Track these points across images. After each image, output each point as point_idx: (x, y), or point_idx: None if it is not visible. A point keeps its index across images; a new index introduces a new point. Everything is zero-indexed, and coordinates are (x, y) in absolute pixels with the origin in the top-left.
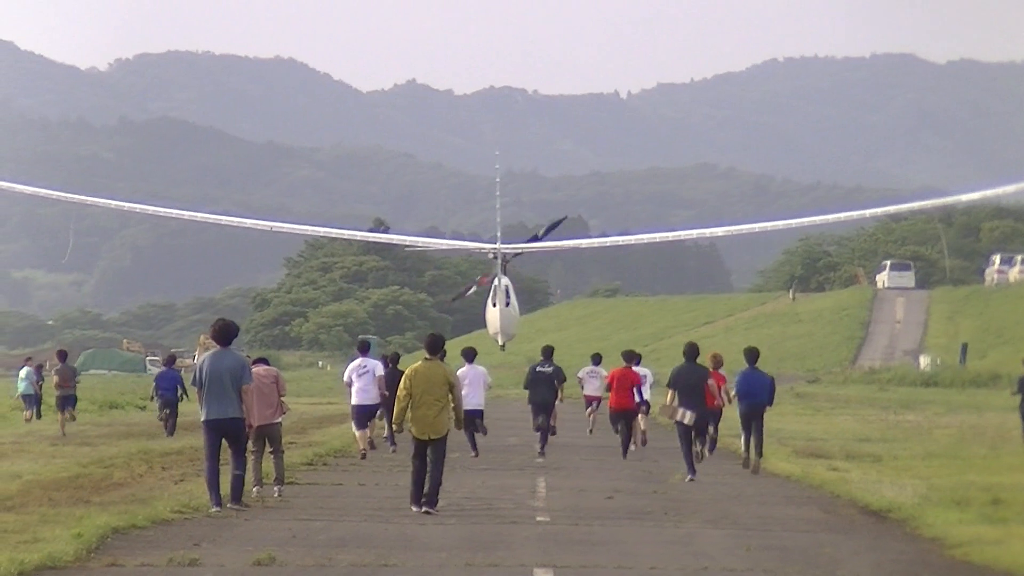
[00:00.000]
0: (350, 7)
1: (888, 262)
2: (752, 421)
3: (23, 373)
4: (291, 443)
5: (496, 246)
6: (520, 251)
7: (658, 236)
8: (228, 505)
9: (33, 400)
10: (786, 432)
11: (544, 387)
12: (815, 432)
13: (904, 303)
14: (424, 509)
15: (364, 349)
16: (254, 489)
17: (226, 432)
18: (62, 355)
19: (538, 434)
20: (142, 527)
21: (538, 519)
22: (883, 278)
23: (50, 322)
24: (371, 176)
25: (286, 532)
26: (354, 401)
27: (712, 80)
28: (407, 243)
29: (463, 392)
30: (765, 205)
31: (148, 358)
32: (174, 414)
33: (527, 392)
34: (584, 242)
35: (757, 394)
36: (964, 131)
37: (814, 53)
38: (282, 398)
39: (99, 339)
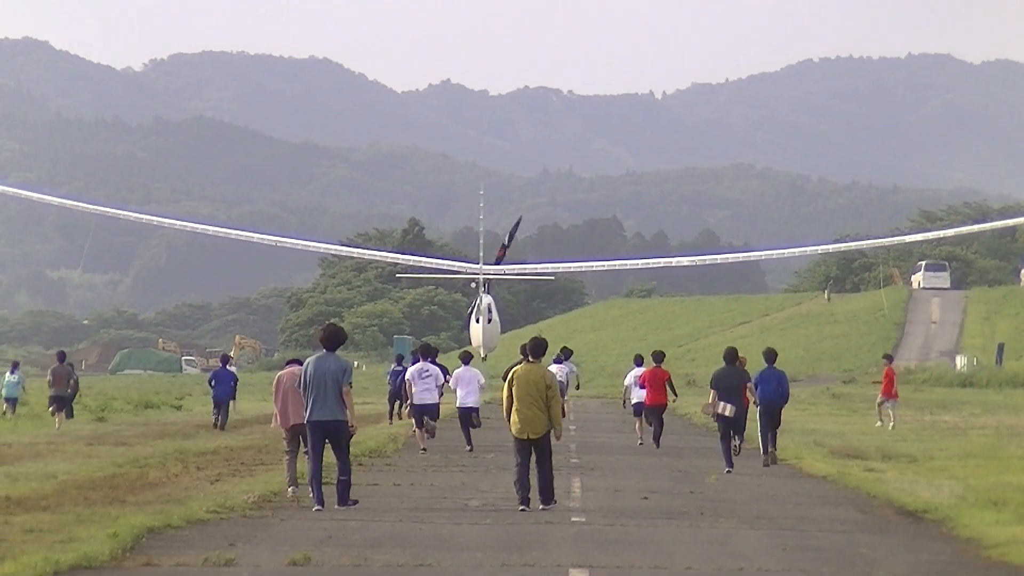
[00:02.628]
0: (385, 7)
1: (923, 262)
2: (770, 419)
3: (15, 377)
4: None
5: (479, 267)
6: (502, 275)
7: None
8: (336, 507)
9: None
10: (822, 432)
11: None
12: (851, 432)
13: (940, 303)
14: (541, 506)
15: (427, 354)
16: (289, 489)
17: (328, 434)
18: (60, 356)
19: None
20: (177, 527)
21: (573, 519)
22: (918, 279)
23: (85, 322)
24: (407, 176)
25: (321, 532)
26: (415, 401)
27: (747, 80)
28: (399, 262)
29: (459, 392)
30: (801, 205)
31: (184, 358)
32: (225, 411)
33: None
34: (563, 266)
35: (773, 393)
36: (1000, 131)
37: (849, 53)
38: None
39: (135, 339)
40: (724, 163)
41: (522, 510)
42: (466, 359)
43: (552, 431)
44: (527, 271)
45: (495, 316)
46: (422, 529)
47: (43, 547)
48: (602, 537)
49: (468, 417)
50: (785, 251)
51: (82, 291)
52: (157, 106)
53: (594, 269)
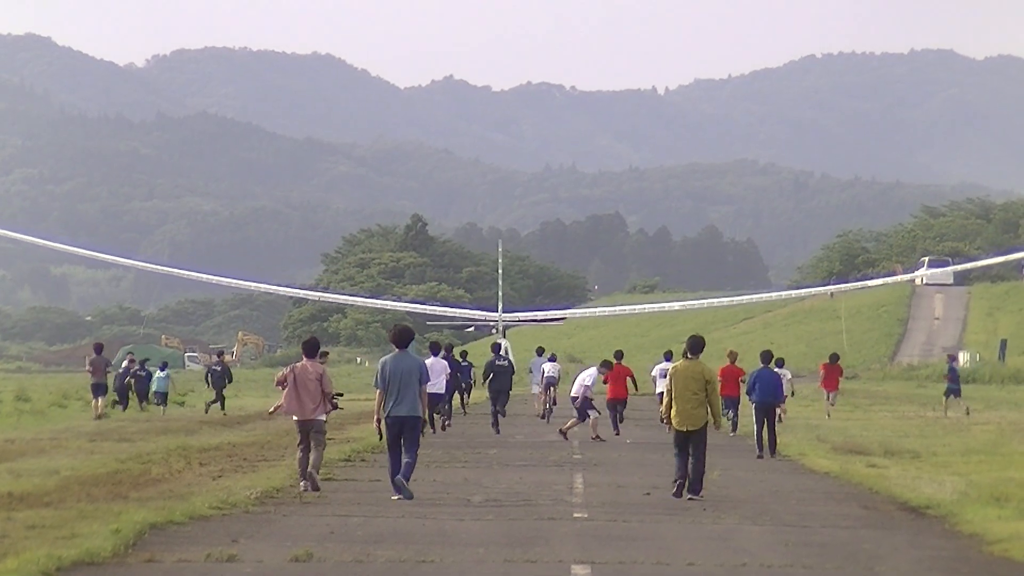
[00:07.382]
0: (387, 3)
1: (926, 258)
2: (765, 416)
3: (164, 373)
4: (329, 439)
5: (498, 316)
6: (518, 323)
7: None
8: (393, 497)
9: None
10: (825, 428)
11: (503, 377)
12: (854, 428)
13: (943, 299)
14: (688, 496)
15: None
16: (301, 483)
17: (405, 428)
18: (97, 348)
19: (492, 417)
20: (180, 523)
21: (576, 515)
22: (922, 274)
23: (88, 318)
24: (410, 172)
25: (324, 528)
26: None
27: (750, 76)
28: (416, 310)
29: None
30: (804, 201)
31: (187, 354)
32: None
33: (487, 380)
34: (567, 312)
35: (768, 392)
36: (1003, 126)
37: (852, 49)
38: (326, 394)
39: (138, 335)
40: (727, 159)
41: (674, 495)
42: (435, 350)
43: (712, 423)
44: (539, 317)
45: (511, 358)
46: (425, 525)
47: (45, 543)
48: (604, 533)
49: (435, 404)
50: (796, 292)
51: (85, 287)
52: (160, 102)
53: (597, 315)
